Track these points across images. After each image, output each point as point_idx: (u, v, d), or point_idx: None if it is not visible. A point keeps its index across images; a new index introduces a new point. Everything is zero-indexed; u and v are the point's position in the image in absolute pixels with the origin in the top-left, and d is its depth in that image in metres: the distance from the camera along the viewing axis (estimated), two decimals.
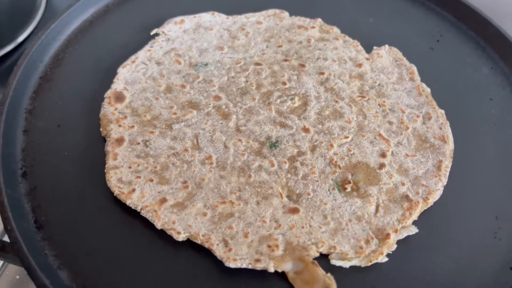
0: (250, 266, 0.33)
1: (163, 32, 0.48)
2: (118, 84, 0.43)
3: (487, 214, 0.39)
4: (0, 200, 0.35)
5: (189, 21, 0.50)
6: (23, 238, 0.33)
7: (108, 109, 0.42)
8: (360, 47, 0.49)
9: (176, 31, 0.49)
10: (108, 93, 0.43)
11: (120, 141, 0.39)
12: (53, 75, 0.45)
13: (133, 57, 0.46)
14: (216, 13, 0.51)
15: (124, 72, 0.45)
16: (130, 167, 0.38)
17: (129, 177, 0.37)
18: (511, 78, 0.49)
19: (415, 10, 0.55)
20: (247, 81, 0.45)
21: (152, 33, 0.48)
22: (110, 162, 0.38)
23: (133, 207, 0.36)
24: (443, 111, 0.44)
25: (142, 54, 0.46)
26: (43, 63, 0.45)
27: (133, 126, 0.41)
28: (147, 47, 0.47)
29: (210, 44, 0.48)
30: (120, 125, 0.40)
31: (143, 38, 0.48)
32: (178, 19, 0.49)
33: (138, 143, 0.40)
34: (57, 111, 0.42)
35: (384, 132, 0.42)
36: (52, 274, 0.32)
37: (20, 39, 0.58)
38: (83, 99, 0.43)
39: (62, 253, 0.34)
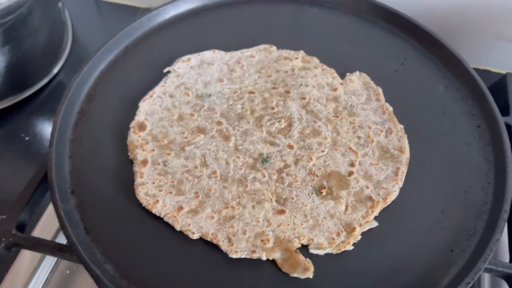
0: (248, 256, 0.44)
1: (173, 69, 0.59)
2: (140, 116, 0.54)
3: (435, 209, 0.48)
4: (58, 213, 0.46)
5: (194, 58, 0.60)
6: (77, 241, 0.44)
7: (133, 136, 0.52)
8: (335, 74, 0.59)
9: (184, 68, 0.59)
10: (133, 123, 0.54)
11: (144, 162, 0.50)
12: (88, 109, 0.56)
13: (150, 92, 0.57)
14: (216, 51, 0.61)
15: (144, 105, 0.55)
16: (153, 183, 0.49)
17: (153, 191, 0.48)
18: (462, 93, 0.58)
19: (383, 36, 0.64)
20: (243, 108, 0.55)
21: (164, 71, 0.59)
22: (138, 179, 0.49)
23: (157, 214, 0.47)
24: (402, 126, 0.54)
25: (158, 90, 0.57)
26: (79, 100, 0.56)
27: (153, 150, 0.51)
28: (161, 83, 0.58)
29: (212, 77, 0.58)
30: (143, 150, 0.51)
31: (159, 74, 0.59)
32: (185, 57, 0.60)
33: (159, 164, 0.50)
34: (93, 139, 0.53)
35: (353, 146, 0.52)
36: (101, 267, 0.43)
37: (55, 71, 0.68)
38: (113, 128, 0.54)
39: (106, 251, 0.45)
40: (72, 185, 0.49)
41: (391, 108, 0.55)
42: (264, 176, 0.49)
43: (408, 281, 0.44)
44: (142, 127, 0.53)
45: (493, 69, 0.77)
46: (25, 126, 0.64)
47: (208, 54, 0.61)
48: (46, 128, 0.65)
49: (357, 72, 0.59)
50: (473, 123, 0.55)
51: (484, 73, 0.75)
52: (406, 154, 0.51)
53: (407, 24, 0.64)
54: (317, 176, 0.50)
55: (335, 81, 0.58)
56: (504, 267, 0.46)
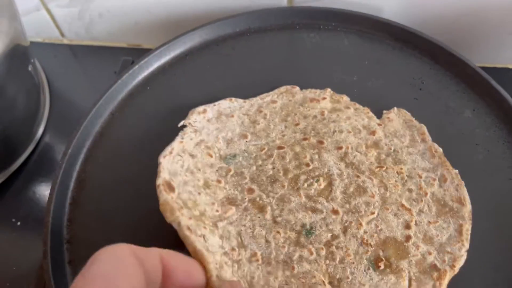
0: None
1: (189, 123, 0.52)
2: (164, 174, 0.46)
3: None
4: None
5: (211, 109, 0.54)
6: None
7: (167, 196, 0.43)
8: (370, 114, 0.53)
9: (201, 121, 0.53)
10: (160, 180, 0.45)
11: (190, 231, 0.41)
12: (80, 199, 0.49)
13: (169, 148, 0.48)
14: (234, 99, 0.55)
15: (166, 163, 0.47)
16: None
17: None
18: (493, 118, 0.51)
19: (394, 58, 0.57)
20: (274, 168, 0.49)
21: (179, 125, 0.52)
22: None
23: None
24: (457, 171, 0.48)
25: (176, 146, 0.49)
26: (69, 190, 0.49)
27: (190, 218, 0.43)
28: (178, 138, 0.50)
29: (234, 133, 0.52)
30: (183, 214, 0.42)
31: (151, 144, 0.51)
32: (201, 108, 0.53)
33: (200, 236, 0.42)
34: (92, 237, 0.46)
35: (405, 202, 0.46)
36: None
37: (39, 133, 0.63)
38: (111, 221, 0.47)
39: None
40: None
41: (440, 150, 0.49)
42: (312, 253, 0.44)
43: None
44: (170, 187, 0.45)
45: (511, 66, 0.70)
46: (15, 208, 0.56)
47: (225, 104, 0.54)
48: (38, 207, 0.58)
49: (395, 108, 0.53)
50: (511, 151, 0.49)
51: (503, 71, 0.67)
52: (468, 207, 0.45)
53: (419, 41, 0.57)
54: (371, 246, 0.44)
55: (372, 122, 0.52)
56: None
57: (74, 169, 0.51)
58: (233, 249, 0.44)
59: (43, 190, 0.59)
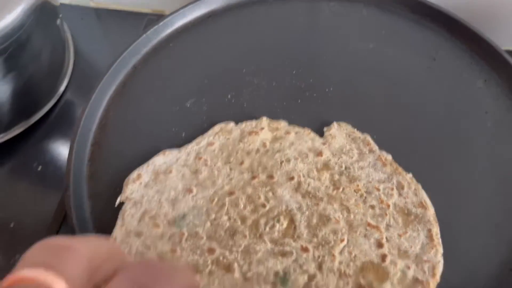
0: None
1: (126, 197, 0.47)
2: None
3: (489, 224, 0.45)
4: None
5: (145, 172, 0.49)
6: None
7: None
8: (312, 134, 0.50)
9: (138, 189, 0.47)
10: None
11: None
12: (101, 141, 0.52)
13: (111, 239, 0.45)
14: (167, 151, 0.50)
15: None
16: None
17: None
18: (503, 89, 0.53)
19: (411, 29, 0.59)
20: (229, 219, 0.45)
21: (116, 204, 0.47)
22: None
23: None
24: (411, 175, 0.47)
25: (118, 233, 0.45)
26: (92, 131, 0.53)
27: None
28: (119, 223, 0.45)
29: (176, 190, 0.47)
30: None
31: (171, 96, 0.55)
32: (134, 175, 0.48)
33: None
34: (111, 175, 0.50)
35: (371, 220, 0.45)
36: None
37: (61, 90, 0.65)
38: (131, 162, 0.49)
39: None
40: (95, 228, 0.45)
41: (390, 157, 0.48)
42: None
43: None
44: None
45: None
46: (36, 155, 0.60)
47: (158, 160, 0.49)
48: (59, 155, 0.61)
49: (335, 123, 0.51)
50: None
51: None
52: (431, 209, 0.45)
53: (437, 14, 0.59)
54: (350, 276, 0.42)
55: (316, 142, 0.50)
56: None
57: (97, 113, 0.54)
58: None
59: (62, 143, 0.61)
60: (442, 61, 0.56)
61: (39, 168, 0.59)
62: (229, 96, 0.55)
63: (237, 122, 0.52)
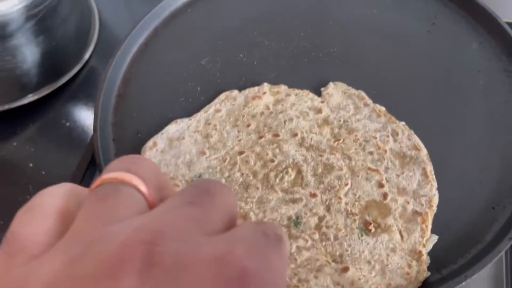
0: None
1: None
2: None
3: (474, 169, 0.50)
4: None
5: (160, 140, 0.52)
6: None
7: None
8: (311, 95, 0.55)
9: (156, 156, 0.51)
10: None
11: None
12: (125, 93, 0.57)
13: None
14: (178, 120, 0.54)
15: None
16: None
17: None
18: (497, 50, 0.58)
19: None
20: (242, 174, 0.49)
21: None
22: None
23: None
24: (403, 123, 0.51)
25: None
26: (116, 85, 0.57)
27: None
28: None
29: (191, 154, 0.51)
30: None
31: (190, 55, 0.60)
32: (150, 143, 0.52)
33: None
34: (134, 122, 0.55)
35: (371, 164, 0.49)
36: None
37: (86, 57, 0.69)
38: (152, 111, 0.56)
39: None
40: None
41: (383, 108, 0.53)
42: (307, 241, 0.45)
43: (450, 240, 0.45)
44: None
45: None
46: (64, 113, 0.66)
47: (172, 129, 0.53)
48: (84, 114, 0.66)
49: (331, 83, 0.55)
50: (510, 80, 0.56)
51: None
52: (424, 150, 0.49)
53: None
54: (356, 214, 0.46)
55: (315, 102, 0.54)
56: None
57: (121, 69, 0.58)
58: None
59: (87, 104, 0.66)
60: (441, 25, 0.61)
61: (67, 124, 0.65)
62: (241, 55, 0.59)
63: (246, 80, 0.57)
